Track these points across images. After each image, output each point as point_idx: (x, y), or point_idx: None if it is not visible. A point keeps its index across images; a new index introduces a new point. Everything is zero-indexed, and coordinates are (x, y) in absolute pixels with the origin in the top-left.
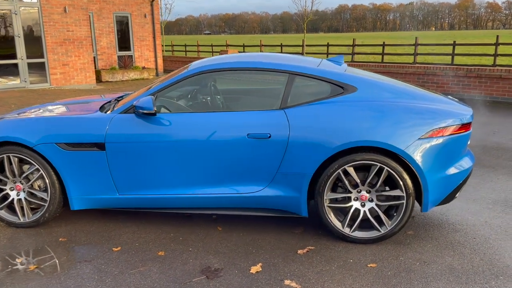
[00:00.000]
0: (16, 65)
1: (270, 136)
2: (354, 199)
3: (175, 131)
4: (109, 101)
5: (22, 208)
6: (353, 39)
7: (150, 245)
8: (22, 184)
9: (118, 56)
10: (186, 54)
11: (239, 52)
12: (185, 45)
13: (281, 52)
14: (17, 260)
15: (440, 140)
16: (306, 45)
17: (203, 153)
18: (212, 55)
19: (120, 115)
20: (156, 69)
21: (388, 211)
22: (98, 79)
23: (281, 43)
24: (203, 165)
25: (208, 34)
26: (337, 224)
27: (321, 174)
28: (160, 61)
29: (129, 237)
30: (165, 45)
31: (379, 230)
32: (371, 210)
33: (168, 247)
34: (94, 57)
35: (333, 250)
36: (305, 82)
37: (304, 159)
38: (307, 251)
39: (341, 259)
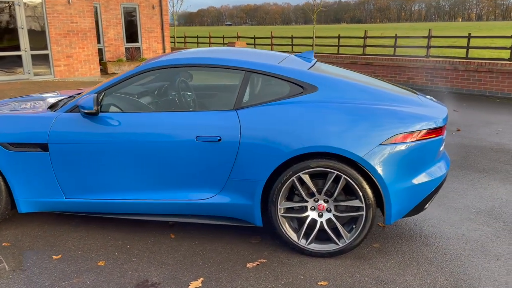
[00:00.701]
0: (19, 56)
1: (220, 139)
2: (310, 209)
3: (120, 132)
4: (63, 99)
5: None
6: (365, 31)
7: (93, 253)
8: None
9: (125, 48)
10: (198, 46)
11: (247, 44)
12: (197, 37)
13: (292, 45)
14: None
15: (405, 146)
16: (316, 37)
17: (149, 157)
18: (198, 45)
19: (65, 114)
20: None
21: (349, 223)
22: (104, 71)
23: (292, 35)
24: (151, 169)
25: (229, 25)
26: (292, 235)
27: (275, 181)
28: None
29: (74, 244)
30: (177, 37)
31: (337, 243)
32: (329, 221)
33: (111, 256)
34: (101, 49)
35: (286, 264)
36: (262, 80)
37: (256, 164)
38: (257, 264)
39: (291, 274)
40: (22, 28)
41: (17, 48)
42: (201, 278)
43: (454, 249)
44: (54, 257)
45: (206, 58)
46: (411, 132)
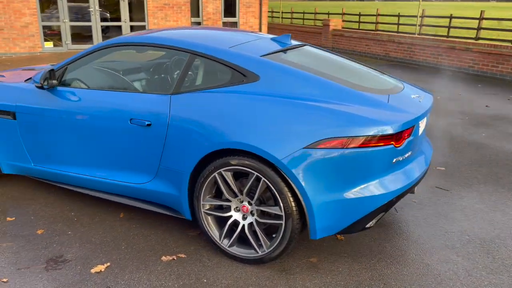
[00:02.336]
0: (120, 27)
1: (150, 125)
2: (235, 209)
3: (68, 107)
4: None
5: None
6: (481, 11)
7: (42, 221)
8: None
9: (222, 23)
10: (303, 23)
11: (343, 21)
12: (303, 12)
13: (398, 24)
14: None
15: (336, 153)
16: (425, 16)
17: (93, 134)
18: (303, 22)
19: (31, 85)
20: None
21: (273, 231)
22: None
23: (399, 13)
24: (95, 147)
25: None
26: (215, 234)
27: (199, 175)
28: (264, 28)
29: (34, 209)
30: (284, 12)
31: (256, 251)
32: (252, 225)
33: (53, 226)
34: (199, 23)
35: (202, 263)
36: (206, 64)
37: (182, 155)
38: (173, 259)
39: (196, 276)
40: (123, 1)
41: (118, 19)
42: (108, 263)
43: (401, 280)
44: (9, 218)
45: (154, 37)
46: (346, 138)
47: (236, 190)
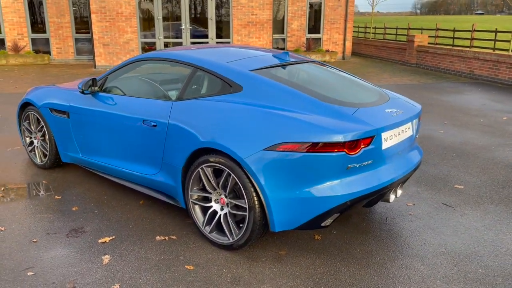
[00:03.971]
0: (208, 43)
1: (155, 126)
2: (215, 201)
3: (103, 109)
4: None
5: (41, 154)
6: None
7: (79, 200)
8: (37, 134)
9: (306, 39)
10: (396, 38)
11: (435, 37)
12: (396, 28)
13: (494, 40)
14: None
15: (290, 156)
16: None
17: (118, 131)
18: (396, 38)
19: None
20: (344, 52)
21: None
22: None
23: (496, 28)
24: (119, 142)
25: (481, 14)
26: (200, 221)
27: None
28: (348, 44)
29: (77, 191)
30: (377, 28)
31: (228, 238)
32: (226, 215)
33: (87, 206)
34: (284, 39)
35: (186, 245)
36: (204, 77)
37: (176, 153)
38: (164, 239)
39: (176, 254)
40: (211, 20)
41: (206, 36)
42: (113, 237)
43: (352, 278)
44: (56, 197)
45: (169, 53)
46: (299, 142)
47: (214, 184)
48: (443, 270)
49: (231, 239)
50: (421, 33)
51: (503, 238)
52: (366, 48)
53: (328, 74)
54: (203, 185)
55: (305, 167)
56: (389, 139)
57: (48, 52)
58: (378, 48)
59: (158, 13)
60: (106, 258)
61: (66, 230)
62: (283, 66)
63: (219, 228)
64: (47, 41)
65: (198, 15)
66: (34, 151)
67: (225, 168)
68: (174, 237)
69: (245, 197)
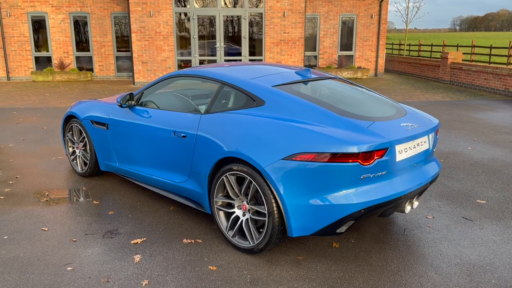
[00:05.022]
0: (240, 61)
1: (185, 136)
2: (237, 207)
3: (138, 121)
4: None
5: (82, 163)
6: None
7: (116, 205)
8: (79, 144)
9: (338, 56)
10: (431, 55)
11: (464, 54)
12: (431, 45)
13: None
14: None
15: (307, 165)
16: None
17: (151, 142)
18: (431, 55)
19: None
20: (376, 69)
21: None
22: None
23: None
24: (152, 152)
25: None
26: (224, 226)
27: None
28: (381, 61)
29: (114, 198)
30: (412, 44)
31: (249, 242)
32: (248, 221)
33: (122, 210)
34: (316, 56)
35: (210, 248)
36: (230, 92)
37: (203, 161)
38: (191, 242)
39: (201, 255)
40: (245, 38)
41: (240, 54)
42: (144, 238)
43: (365, 283)
44: (95, 202)
45: (199, 70)
46: (315, 153)
47: (237, 191)
48: (456, 279)
49: (251, 243)
50: (457, 50)
51: None
52: (399, 65)
53: (348, 90)
54: (227, 192)
55: (321, 176)
56: (404, 152)
57: (91, 69)
58: (412, 65)
59: (194, 32)
60: (137, 257)
61: (103, 232)
62: (304, 82)
63: (241, 232)
64: (90, 59)
65: (232, 34)
66: (76, 160)
67: (247, 176)
68: (199, 241)
69: (265, 204)
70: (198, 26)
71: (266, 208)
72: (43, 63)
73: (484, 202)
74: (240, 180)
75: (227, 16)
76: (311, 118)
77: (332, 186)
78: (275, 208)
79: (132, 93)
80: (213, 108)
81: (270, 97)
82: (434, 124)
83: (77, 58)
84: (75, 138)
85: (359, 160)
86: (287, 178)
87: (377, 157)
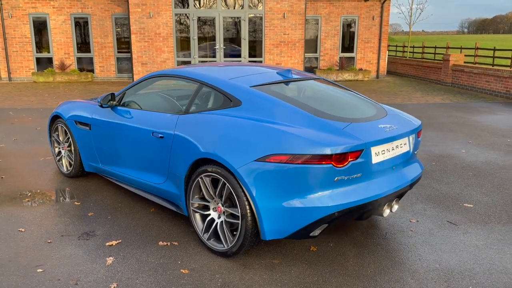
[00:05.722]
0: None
1: (163, 137)
2: (213, 209)
3: (119, 121)
4: None
5: (67, 163)
6: None
7: (96, 207)
8: (64, 144)
9: (339, 57)
10: (434, 57)
11: (466, 56)
12: (435, 47)
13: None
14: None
15: (279, 167)
16: None
17: (131, 142)
18: (434, 57)
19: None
20: (378, 71)
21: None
22: None
23: None
24: (132, 153)
25: None
26: (199, 228)
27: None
28: (383, 63)
29: (94, 199)
30: (415, 46)
31: (223, 245)
32: (223, 223)
33: (101, 212)
34: (317, 58)
35: (185, 250)
36: (209, 92)
37: (179, 163)
38: (167, 244)
39: (175, 258)
40: (244, 39)
41: (239, 55)
42: (120, 240)
43: None
44: (76, 203)
45: (179, 71)
46: (288, 154)
47: (212, 193)
48: (432, 285)
49: (226, 246)
50: (460, 52)
51: (503, 257)
52: (402, 67)
53: (329, 91)
54: (203, 194)
55: (294, 178)
56: (381, 154)
57: (92, 71)
58: (414, 67)
59: (193, 34)
60: (109, 260)
61: (79, 233)
62: (285, 82)
63: (216, 235)
64: (91, 60)
65: (232, 35)
66: (61, 160)
67: (221, 178)
68: (176, 243)
69: (238, 206)
70: (197, 28)
71: (239, 210)
72: (44, 64)
73: (472, 206)
74: (215, 182)
75: (227, 18)
76: (287, 119)
77: (305, 189)
78: (248, 211)
79: (113, 93)
80: (191, 108)
81: (247, 98)
82: (415, 125)
83: (78, 59)
84: (60, 138)
85: (332, 162)
86: (260, 180)
87: (351, 159)
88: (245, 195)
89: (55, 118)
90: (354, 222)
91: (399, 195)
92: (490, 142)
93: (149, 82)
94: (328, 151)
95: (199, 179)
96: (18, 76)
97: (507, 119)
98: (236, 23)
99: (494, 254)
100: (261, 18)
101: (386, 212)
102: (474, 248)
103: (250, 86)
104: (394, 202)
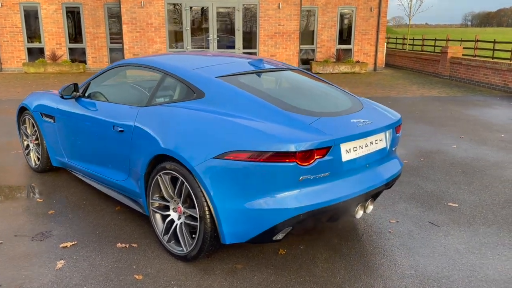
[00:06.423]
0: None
1: (123, 131)
2: (173, 210)
3: (82, 113)
4: None
5: (35, 157)
6: None
7: (58, 204)
8: (32, 137)
9: (336, 49)
10: (434, 50)
11: (465, 48)
12: (435, 39)
13: None
14: None
15: (239, 165)
16: None
17: (93, 136)
18: (434, 49)
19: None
20: (375, 63)
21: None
22: (310, 71)
23: None
24: (95, 147)
25: None
26: (159, 229)
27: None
28: (381, 55)
29: (60, 195)
30: (415, 39)
31: (183, 249)
32: (183, 225)
33: (62, 210)
34: (313, 50)
35: (144, 253)
36: (172, 82)
37: (138, 159)
38: (124, 247)
39: (131, 262)
40: (238, 30)
41: (233, 47)
42: (75, 242)
43: None
44: (38, 200)
45: (142, 59)
46: (249, 151)
47: (171, 192)
48: None
49: (185, 249)
50: (460, 44)
51: (484, 263)
52: (400, 59)
53: (303, 83)
54: (163, 193)
55: (255, 178)
56: (352, 151)
57: (84, 61)
58: (412, 59)
59: (186, 24)
60: (60, 263)
61: (34, 233)
62: (257, 73)
63: (176, 238)
64: (83, 50)
65: (225, 26)
66: (30, 154)
67: (180, 176)
68: (135, 245)
69: (196, 207)
70: (190, 18)
71: (197, 212)
72: (35, 54)
73: (457, 205)
74: (174, 181)
75: (221, 8)
76: (252, 112)
77: (267, 189)
78: (207, 212)
79: (76, 84)
80: (153, 100)
81: (210, 89)
82: (393, 120)
83: (70, 50)
84: (28, 131)
85: (296, 160)
86: (218, 179)
87: (318, 157)
88: (204, 196)
89: (23, 110)
90: (329, 223)
91: (373, 195)
92: (483, 137)
93: (115, 72)
94: (291, 148)
95: (158, 177)
96: (9, 66)
97: (502, 113)
98: (230, 14)
99: (475, 259)
100: (255, 9)
101: (359, 213)
102: (455, 253)
103: (216, 77)
104: (368, 202)
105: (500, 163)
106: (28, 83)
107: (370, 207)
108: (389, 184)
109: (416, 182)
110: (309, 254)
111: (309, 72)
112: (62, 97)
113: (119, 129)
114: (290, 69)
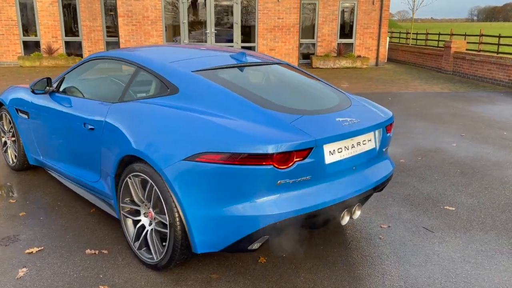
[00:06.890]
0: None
1: (93, 129)
2: (143, 215)
3: (55, 108)
4: None
5: (12, 155)
6: None
7: (31, 205)
8: (9, 134)
9: (337, 44)
10: (438, 44)
11: (468, 43)
12: (439, 34)
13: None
14: None
15: (211, 168)
16: None
17: (65, 134)
18: (438, 44)
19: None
20: (377, 58)
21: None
22: (310, 65)
23: None
24: (67, 145)
25: None
26: (130, 234)
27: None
28: (383, 50)
29: (35, 196)
30: (419, 33)
31: (153, 257)
32: (153, 231)
33: (33, 211)
34: (314, 44)
35: (114, 261)
36: (145, 77)
37: (108, 160)
38: (94, 253)
39: (98, 271)
40: (237, 24)
41: (231, 41)
42: (42, 247)
43: None
44: (11, 201)
45: (117, 52)
46: (220, 153)
47: (141, 196)
48: None
49: (155, 258)
50: (464, 39)
51: (481, 273)
52: (403, 54)
53: (289, 78)
54: (133, 196)
55: (228, 182)
56: (337, 152)
57: (81, 55)
58: (415, 54)
59: (183, 17)
60: (22, 272)
61: (0, 238)
62: (240, 67)
63: (147, 245)
64: (79, 44)
65: (223, 19)
66: (7, 151)
67: (149, 179)
68: (105, 251)
69: (166, 213)
70: (188, 11)
71: (167, 218)
72: (31, 48)
73: (453, 209)
74: (144, 183)
75: (219, 0)
76: (228, 110)
77: (242, 194)
78: (177, 219)
79: (49, 78)
80: (126, 96)
81: (184, 84)
82: (384, 118)
83: (66, 43)
84: (5, 127)
85: (273, 163)
86: (188, 183)
87: (297, 159)
88: (173, 201)
89: (0, 106)
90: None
91: (361, 200)
92: (485, 135)
93: (89, 65)
94: (268, 149)
95: (128, 179)
96: (4, 60)
97: (506, 110)
98: (228, 7)
99: (471, 269)
100: (254, 1)
101: (345, 219)
102: (449, 262)
103: (192, 71)
104: (355, 208)
105: (501, 163)
106: (22, 77)
107: (358, 213)
108: (379, 187)
109: (412, 183)
110: (291, 262)
111: (297, 67)
112: (33, 92)
113: (90, 126)
114: (277, 63)
